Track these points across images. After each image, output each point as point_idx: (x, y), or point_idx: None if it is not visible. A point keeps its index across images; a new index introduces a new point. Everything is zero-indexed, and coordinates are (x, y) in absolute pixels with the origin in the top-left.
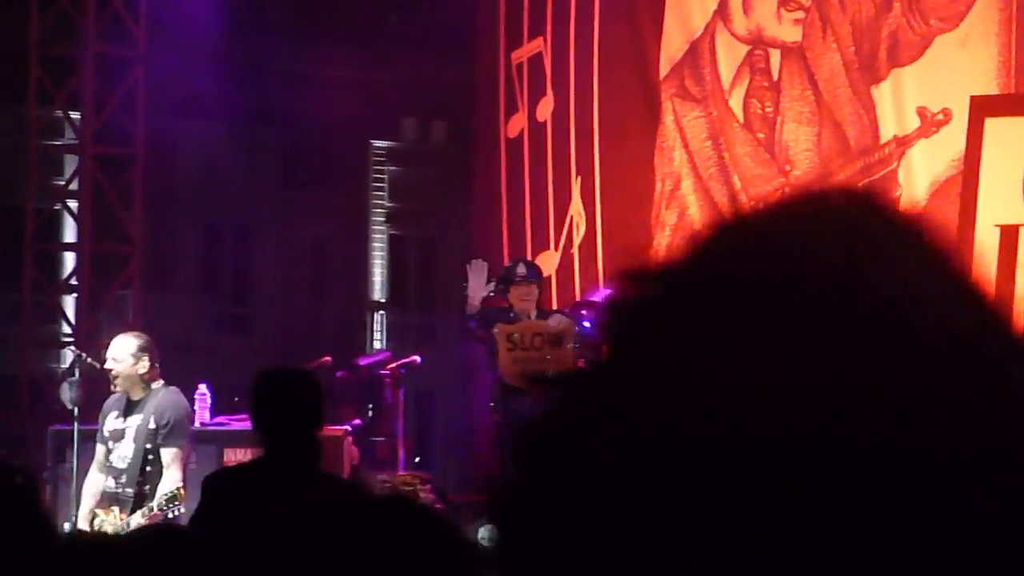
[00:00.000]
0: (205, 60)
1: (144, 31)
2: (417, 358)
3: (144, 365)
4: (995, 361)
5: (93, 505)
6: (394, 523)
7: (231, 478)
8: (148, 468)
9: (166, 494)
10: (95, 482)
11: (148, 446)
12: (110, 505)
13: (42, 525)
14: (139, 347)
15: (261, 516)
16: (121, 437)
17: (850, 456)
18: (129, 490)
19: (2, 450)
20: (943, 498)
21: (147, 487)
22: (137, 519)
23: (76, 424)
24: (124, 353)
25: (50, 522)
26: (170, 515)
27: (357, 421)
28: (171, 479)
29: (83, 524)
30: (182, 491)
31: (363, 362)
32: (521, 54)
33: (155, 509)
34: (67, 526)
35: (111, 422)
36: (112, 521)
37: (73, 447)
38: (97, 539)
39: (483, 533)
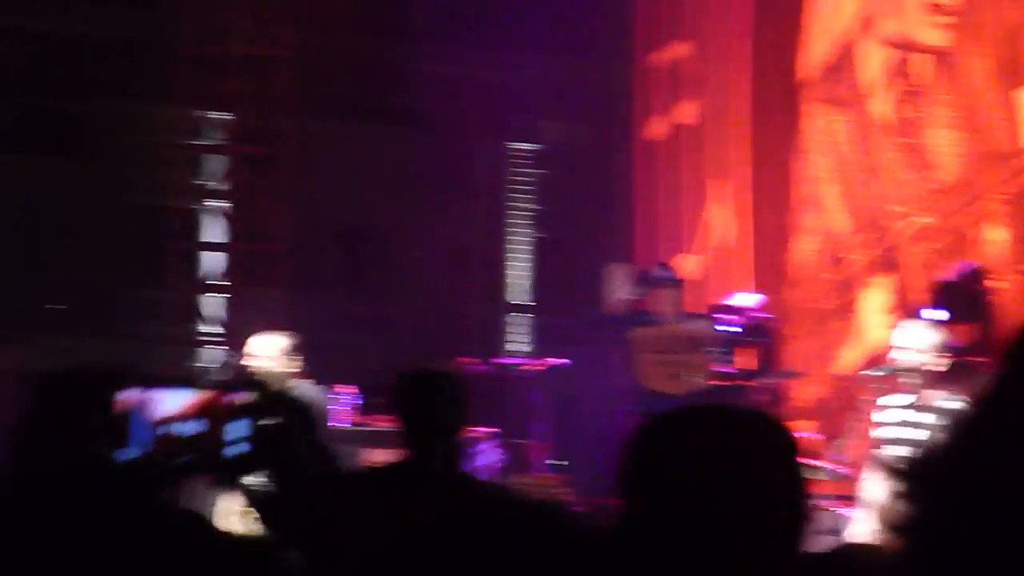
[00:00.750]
0: (349, 60)
1: (290, 32)
2: (559, 360)
3: (294, 364)
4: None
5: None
6: (529, 528)
7: (373, 479)
8: None
9: None
10: None
11: None
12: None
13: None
14: (290, 346)
15: (402, 520)
16: None
17: None
18: None
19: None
20: None
21: None
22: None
23: None
24: (276, 352)
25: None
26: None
27: (498, 425)
28: None
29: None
30: None
31: (505, 364)
32: (662, 57)
33: None
34: None
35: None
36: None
37: None
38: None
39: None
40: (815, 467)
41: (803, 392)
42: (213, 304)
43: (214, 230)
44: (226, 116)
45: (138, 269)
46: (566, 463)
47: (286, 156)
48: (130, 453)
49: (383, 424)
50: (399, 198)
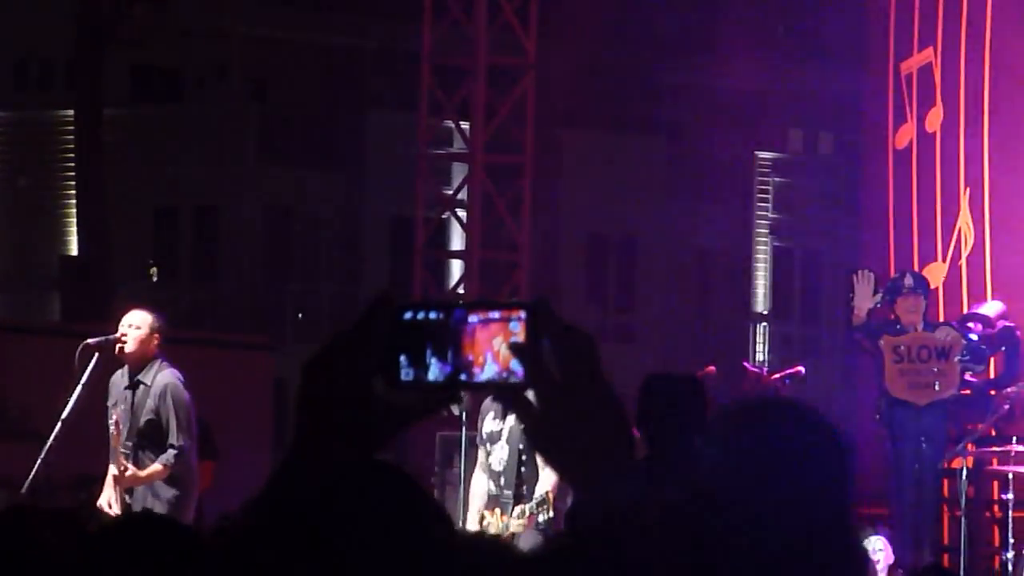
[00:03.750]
0: (593, 69)
1: (533, 41)
2: (801, 369)
3: None
4: None
5: (481, 507)
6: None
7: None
8: (523, 469)
9: (537, 497)
10: (479, 484)
11: (521, 447)
12: (494, 508)
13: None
14: None
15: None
16: (497, 439)
17: None
18: (508, 492)
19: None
20: None
21: (524, 488)
22: (515, 521)
23: (464, 429)
24: None
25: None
26: (540, 518)
27: None
28: (546, 481)
29: (472, 526)
30: (550, 494)
31: (749, 371)
32: (911, 64)
33: (527, 512)
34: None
35: (488, 424)
36: (495, 523)
37: (460, 452)
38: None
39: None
40: None
41: None
42: None
43: (459, 238)
44: (468, 125)
45: (384, 277)
46: None
47: (529, 164)
48: None
49: None
50: (644, 207)
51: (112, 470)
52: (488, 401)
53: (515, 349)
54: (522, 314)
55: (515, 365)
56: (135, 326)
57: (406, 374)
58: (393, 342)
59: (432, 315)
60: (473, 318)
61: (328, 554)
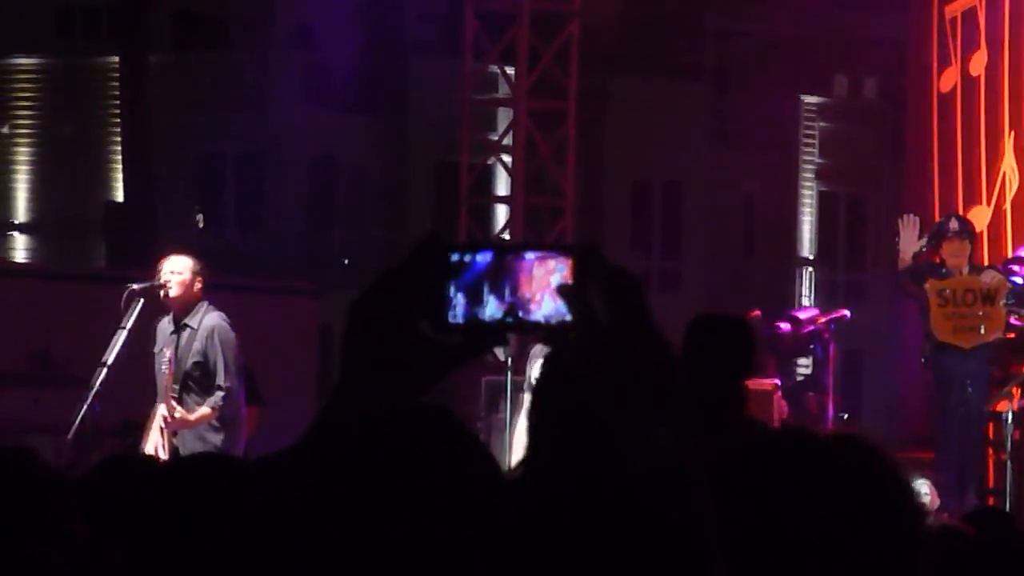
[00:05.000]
0: (637, 15)
1: None
2: (847, 313)
3: None
4: None
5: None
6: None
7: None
8: None
9: None
10: (524, 430)
11: None
12: None
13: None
14: None
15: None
16: None
17: None
18: None
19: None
20: None
21: None
22: None
23: (509, 375)
24: None
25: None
26: None
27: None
28: None
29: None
30: None
31: (794, 316)
32: (955, 8)
33: None
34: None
35: (536, 370)
36: None
37: (506, 397)
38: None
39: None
40: None
41: None
42: None
43: (503, 184)
44: (513, 70)
45: (428, 223)
46: (849, 416)
47: (573, 110)
48: None
49: None
50: (689, 153)
51: (161, 410)
52: (536, 347)
53: (563, 291)
54: (570, 257)
55: (563, 307)
56: (176, 272)
57: (455, 314)
58: (442, 281)
59: (480, 255)
60: (530, 255)
61: (371, 498)
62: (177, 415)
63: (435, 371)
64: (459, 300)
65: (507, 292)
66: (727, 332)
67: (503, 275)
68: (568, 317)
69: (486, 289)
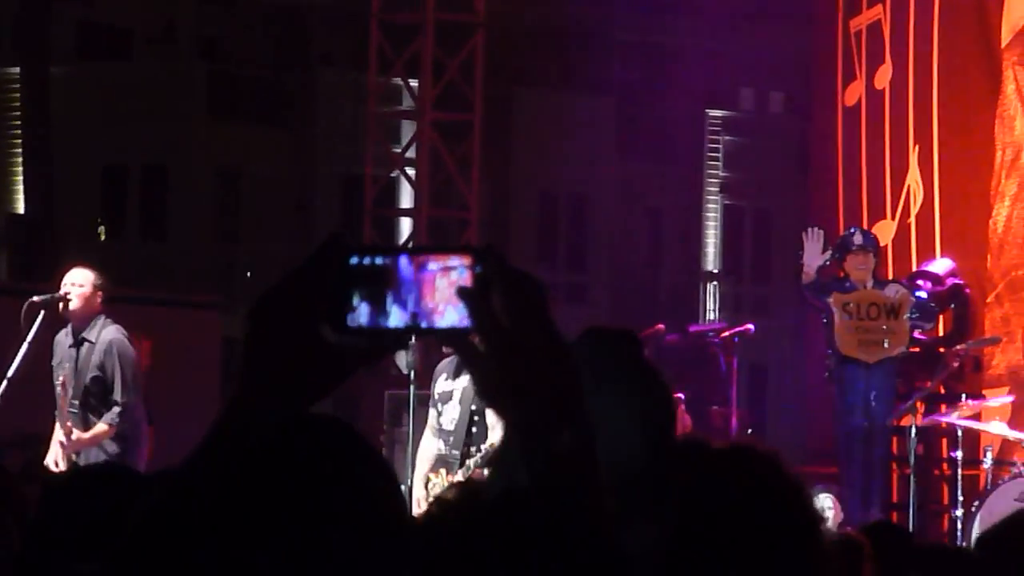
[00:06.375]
0: (543, 27)
1: None
2: (751, 327)
3: None
4: None
5: (428, 469)
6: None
7: None
8: (474, 429)
9: (483, 452)
10: (428, 446)
11: (474, 407)
12: (440, 468)
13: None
14: None
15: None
16: (449, 399)
17: None
18: (456, 451)
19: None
20: None
21: (472, 448)
22: (460, 479)
23: (412, 388)
24: None
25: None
26: (486, 473)
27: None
28: (495, 438)
29: (418, 488)
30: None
31: (695, 330)
32: (860, 21)
33: (472, 468)
34: (403, 489)
35: (441, 384)
36: (441, 484)
37: (409, 411)
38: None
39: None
40: (1016, 438)
41: (1002, 359)
42: None
43: (408, 196)
44: (417, 82)
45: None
46: (752, 429)
47: (478, 123)
48: None
49: None
50: (595, 166)
51: (58, 432)
52: (442, 363)
53: (461, 293)
54: (468, 259)
55: (462, 311)
56: (77, 284)
57: (355, 319)
58: (345, 286)
59: (379, 260)
60: (433, 265)
61: (264, 510)
62: (73, 438)
63: (335, 375)
64: (363, 308)
65: (410, 302)
66: (607, 344)
67: (406, 285)
68: (469, 323)
69: (389, 299)
